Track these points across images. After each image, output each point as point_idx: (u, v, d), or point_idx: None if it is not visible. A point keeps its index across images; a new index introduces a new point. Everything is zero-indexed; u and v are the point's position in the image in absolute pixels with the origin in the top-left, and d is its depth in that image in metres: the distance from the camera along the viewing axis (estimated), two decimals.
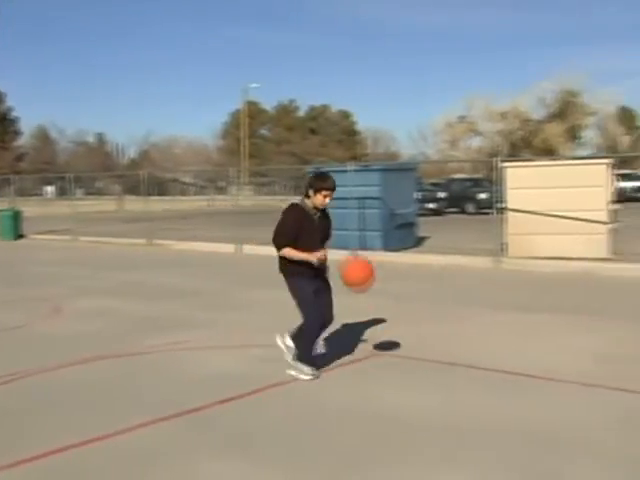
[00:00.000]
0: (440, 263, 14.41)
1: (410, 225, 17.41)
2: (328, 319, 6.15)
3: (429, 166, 58.71)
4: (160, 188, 53.38)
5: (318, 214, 6.05)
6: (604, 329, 7.98)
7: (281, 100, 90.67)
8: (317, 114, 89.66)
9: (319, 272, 6.04)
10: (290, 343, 6.06)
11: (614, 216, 14.22)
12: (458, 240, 17.70)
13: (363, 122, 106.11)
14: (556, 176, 14.32)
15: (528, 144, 57.34)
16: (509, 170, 14.89)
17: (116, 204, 44.72)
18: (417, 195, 19.16)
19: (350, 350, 7.02)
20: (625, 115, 67.74)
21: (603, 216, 13.95)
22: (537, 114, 59.51)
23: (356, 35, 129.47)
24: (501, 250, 14.40)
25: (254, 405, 5.46)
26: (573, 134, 59.60)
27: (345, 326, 7.77)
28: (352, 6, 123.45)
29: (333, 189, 5.94)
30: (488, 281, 12.44)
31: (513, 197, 14.51)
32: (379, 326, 8.20)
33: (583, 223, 13.80)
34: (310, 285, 5.97)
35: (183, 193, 68.63)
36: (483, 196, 31.55)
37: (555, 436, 4.65)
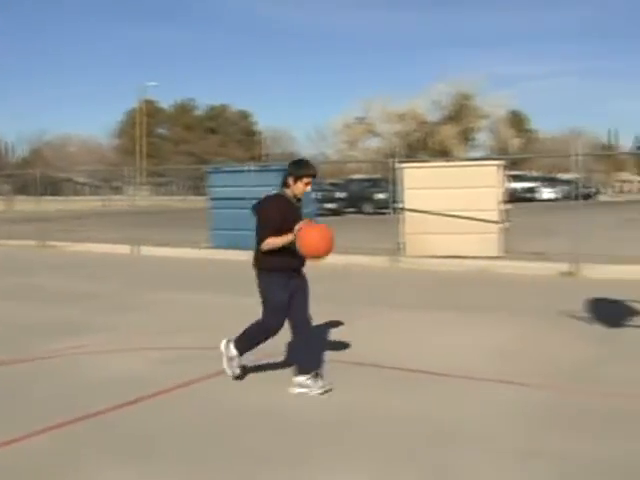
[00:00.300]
0: (339, 262, 14.57)
1: None
2: (302, 321, 5.73)
3: (328, 166, 59.20)
4: (53, 188, 51.66)
5: (298, 203, 5.72)
6: (499, 325, 8.28)
7: (179, 99, 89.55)
8: (216, 114, 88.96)
9: (298, 267, 5.70)
10: (233, 352, 5.77)
11: (506, 215, 14.77)
12: (357, 240, 17.89)
13: (263, 122, 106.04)
14: (450, 177, 14.76)
15: (424, 145, 58.74)
16: (406, 171, 15.24)
17: (5, 204, 43.01)
18: (316, 195, 19.31)
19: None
20: (515, 118, 70.32)
21: (495, 216, 14.48)
22: (433, 116, 61.05)
23: (256, 34, 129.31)
24: (398, 249, 14.72)
25: (156, 408, 5.40)
26: (467, 136, 61.45)
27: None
28: (251, 5, 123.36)
29: (315, 175, 5.66)
30: (387, 280, 12.69)
31: (410, 197, 14.85)
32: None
33: (476, 222, 14.28)
34: (285, 289, 5.59)
35: (77, 193, 66.67)
36: (381, 196, 32.08)
37: (453, 431, 4.80)
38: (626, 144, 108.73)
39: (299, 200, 5.73)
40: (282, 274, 5.60)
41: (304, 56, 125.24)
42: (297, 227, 5.43)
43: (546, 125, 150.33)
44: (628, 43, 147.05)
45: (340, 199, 35.21)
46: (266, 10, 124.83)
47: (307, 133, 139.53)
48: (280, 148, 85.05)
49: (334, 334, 7.82)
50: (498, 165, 14.98)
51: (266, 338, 5.80)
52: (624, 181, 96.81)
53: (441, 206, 14.51)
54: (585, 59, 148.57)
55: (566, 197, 43.62)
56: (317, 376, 5.68)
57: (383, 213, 23.81)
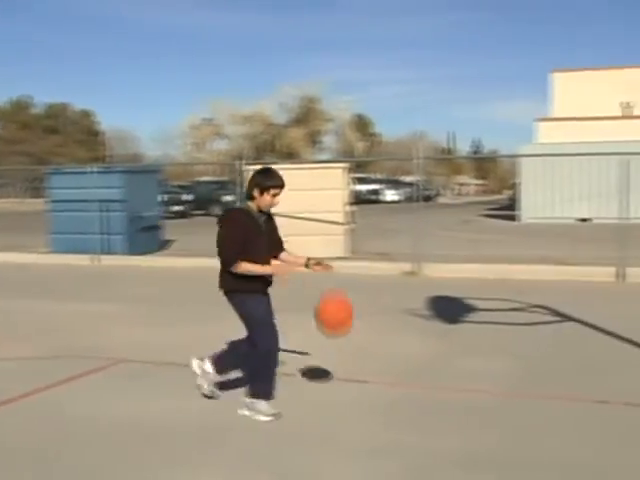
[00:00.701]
0: (185, 266, 14.35)
1: (155, 228, 17.14)
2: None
3: (175, 168, 58.31)
4: None
5: (263, 218, 5.15)
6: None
7: (14, 96, 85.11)
8: (56, 112, 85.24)
9: (265, 287, 5.25)
10: (209, 368, 5.30)
11: (351, 217, 15.07)
12: (204, 242, 17.69)
13: (106, 122, 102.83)
14: (297, 179, 14.82)
15: (272, 148, 58.99)
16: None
17: None
18: (162, 197, 18.93)
19: (96, 357, 6.75)
20: (361, 122, 72.14)
21: (341, 217, 14.74)
22: (280, 119, 61.45)
23: (99, 33, 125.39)
24: None
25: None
26: (314, 139, 62.31)
27: (92, 333, 7.46)
28: (95, 2, 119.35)
29: (282, 186, 5.07)
30: None
31: None
32: (127, 331, 7.97)
33: (323, 224, 14.47)
34: (262, 303, 5.19)
35: None
36: (228, 198, 31.93)
37: (298, 432, 4.81)
38: (464, 148, 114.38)
39: (268, 215, 5.21)
40: (258, 292, 5.19)
41: (149, 56, 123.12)
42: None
43: (390, 129, 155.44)
44: (467, 52, 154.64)
45: (187, 201, 34.77)
46: (110, 9, 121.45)
47: (153, 134, 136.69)
48: (124, 149, 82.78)
49: (185, 337, 7.65)
50: (343, 168, 15.27)
51: (274, 366, 5.23)
52: (462, 184, 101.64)
53: (288, 208, 14.52)
54: (427, 66, 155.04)
55: (408, 199, 45.25)
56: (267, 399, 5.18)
57: None
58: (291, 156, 54.37)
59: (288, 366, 6.40)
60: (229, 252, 4.97)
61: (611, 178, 12.81)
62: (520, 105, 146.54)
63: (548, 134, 31.02)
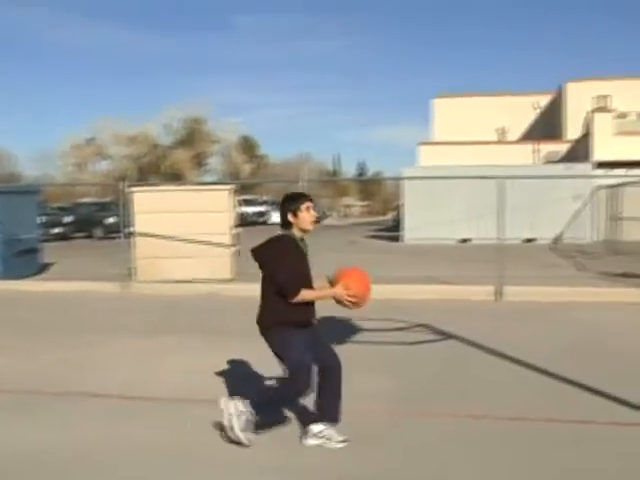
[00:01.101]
0: (66, 290, 13.86)
1: (33, 251, 16.48)
2: (334, 365, 4.94)
3: (55, 189, 56.36)
4: None
5: (304, 244, 4.99)
6: (229, 347, 8.29)
7: None
8: None
9: (313, 317, 4.99)
10: (245, 407, 4.81)
11: (236, 239, 15.00)
12: (86, 265, 17.26)
13: None
14: (183, 201, 14.70)
15: (157, 169, 58.16)
16: (136, 194, 14.92)
17: None
18: (41, 219, 18.26)
19: None
20: (247, 144, 72.18)
21: (227, 239, 14.65)
22: (166, 140, 60.72)
23: None
24: (129, 275, 14.33)
25: None
26: (199, 160, 61.89)
27: None
28: None
29: (311, 199, 4.93)
30: (117, 306, 12.25)
31: (141, 221, 14.56)
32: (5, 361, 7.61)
33: (209, 246, 14.34)
34: (302, 336, 4.82)
35: None
36: (111, 220, 31.24)
37: (185, 456, 4.70)
38: (350, 170, 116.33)
39: (302, 240, 4.97)
40: (297, 327, 4.83)
41: (27, 74, 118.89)
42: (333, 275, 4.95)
43: (276, 151, 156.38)
44: (353, 76, 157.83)
45: (68, 223, 33.67)
46: None
47: (30, 153, 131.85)
48: (1, 168, 79.44)
49: (57, 365, 7.36)
50: (229, 189, 15.20)
51: (298, 397, 4.98)
52: (348, 205, 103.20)
53: (173, 230, 14.40)
54: (313, 89, 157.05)
55: None
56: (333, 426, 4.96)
57: (114, 238, 23.12)
58: (176, 178, 53.78)
59: (171, 392, 6.27)
60: (289, 280, 4.72)
61: (489, 200, 13.34)
62: (404, 129, 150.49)
63: (429, 157, 32.03)
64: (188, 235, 14.30)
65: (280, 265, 4.72)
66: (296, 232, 4.86)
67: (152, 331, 9.50)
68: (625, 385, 6.39)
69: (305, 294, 4.74)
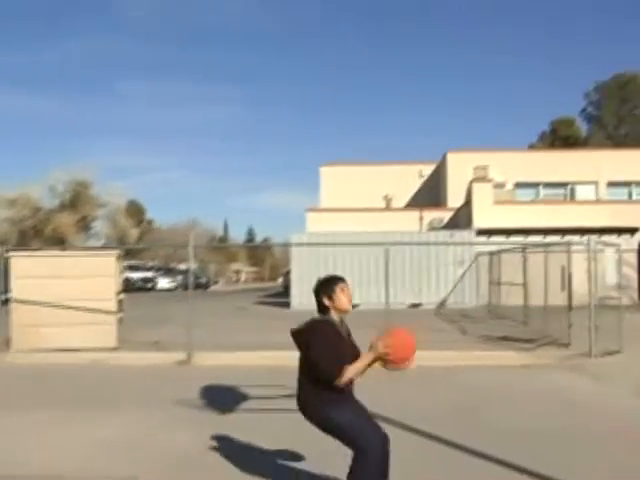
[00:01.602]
0: None
1: None
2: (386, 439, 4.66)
3: None
4: None
5: (344, 327, 4.87)
6: (113, 419, 8.01)
7: None
8: None
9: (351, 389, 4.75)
10: None
11: (121, 306, 14.63)
12: None
13: None
14: (66, 266, 14.25)
15: (39, 233, 56.27)
16: (14, 260, 14.38)
17: None
18: None
19: None
20: (134, 208, 71.15)
21: (112, 306, 14.24)
22: (50, 203, 59.03)
23: None
24: (6, 343, 13.68)
25: None
26: (84, 224, 60.39)
27: None
28: None
29: (344, 279, 4.91)
30: None
31: (20, 287, 14.00)
32: None
33: (93, 313, 13.90)
34: (351, 404, 4.67)
35: None
36: None
37: None
38: (240, 235, 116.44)
39: (342, 322, 4.88)
40: (345, 398, 4.65)
41: None
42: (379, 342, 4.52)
43: (164, 216, 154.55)
44: (243, 143, 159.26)
45: None
46: None
47: None
48: None
49: None
50: (115, 255, 14.87)
51: (384, 462, 4.59)
52: (237, 271, 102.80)
53: (55, 296, 13.90)
54: (202, 155, 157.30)
55: (183, 286, 44.87)
56: None
57: None
58: (60, 242, 52.17)
59: (50, 468, 5.97)
60: (330, 366, 4.50)
61: (376, 266, 13.63)
62: (295, 195, 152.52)
63: (317, 223, 32.46)
64: (71, 301, 13.83)
65: (317, 353, 4.58)
66: (334, 315, 4.79)
67: (28, 404, 9.04)
68: (503, 449, 6.55)
69: (349, 371, 4.49)
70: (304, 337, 4.77)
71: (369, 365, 4.56)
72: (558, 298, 15.56)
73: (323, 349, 4.53)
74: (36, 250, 23.33)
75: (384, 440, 4.61)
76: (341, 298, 4.75)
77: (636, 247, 30.19)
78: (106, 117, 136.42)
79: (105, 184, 59.94)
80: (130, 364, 12.55)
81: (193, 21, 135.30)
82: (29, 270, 14.05)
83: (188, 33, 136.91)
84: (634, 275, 29.53)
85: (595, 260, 13.45)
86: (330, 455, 5.76)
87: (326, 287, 4.82)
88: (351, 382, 4.63)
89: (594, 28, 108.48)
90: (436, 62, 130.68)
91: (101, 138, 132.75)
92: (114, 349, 13.69)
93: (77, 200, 58.47)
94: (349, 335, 4.86)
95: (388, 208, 37.90)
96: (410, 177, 41.04)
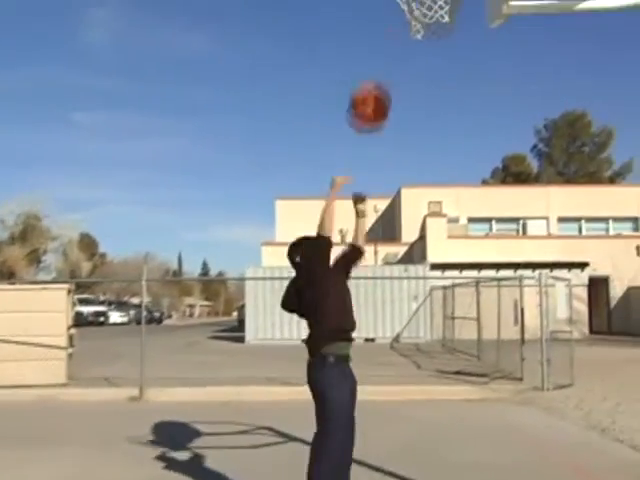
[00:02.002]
0: None
1: None
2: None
3: None
4: None
5: None
6: (60, 459, 7.80)
7: None
8: None
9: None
10: None
11: (72, 341, 14.33)
12: None
13: None
14: (15, 300, 13.93)
15: None
16: None
17: None
18: None
19: None
20: (86, 242, 70.28)
21: (63, 341, 13.93)
22: None
23: None
24: None
25: None
26: (35, 257, 59.40)
27: None
28: None
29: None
30: None
31: None
32: None
33: (42, 349, 13.57)
34: (350, 387, 4.56)
35: None
36: None
37: None
38: (195, 269, 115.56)
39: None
40: (342, 364, 4.48)
41: None
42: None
43: (117, 249, 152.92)
44: (198, 176, 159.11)
45: None
46: None
47: None
48: None
49: None
50: (66, 289, 14.59)
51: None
52: (191, 305, 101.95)
53: (3, 331, 13.55)
54: (155, 188, 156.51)
55: (136, 321, 44.29)
56: None
57: None
58: (9, 275, 51.17)
59: None
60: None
61: None
62: (251, 228, 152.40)
63: (272, 257, 32.41)
64: (19, 336, 13.49)
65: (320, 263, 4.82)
66: None
67: None
68: None
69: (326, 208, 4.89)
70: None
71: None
72: (511, 332, 15.71)
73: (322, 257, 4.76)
74: None
75: (348, 447, 4.43)
76: None
77: (586, 282, 30.75)
78: (57, 148, 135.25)
79: (57, 217, 59.15)
80: (81, 400, 12.27)
81: (148, 54, 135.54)
82: None
83: (144, 66, 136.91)
84: (584, 309, 30.05)
85: (546, 294, 13.62)
86: None
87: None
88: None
89: (547, 63, 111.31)
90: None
91: (52, 170, 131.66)
92: (64, 385, 13.37)
93: (28, 233, 57.58)
94: None
95: (343, 242, 38.05)
96: None
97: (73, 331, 14.57)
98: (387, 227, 40.88)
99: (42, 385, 13.02)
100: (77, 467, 7.36)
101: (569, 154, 61.17)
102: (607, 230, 37.91)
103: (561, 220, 37.65)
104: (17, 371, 13.31)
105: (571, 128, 60.75)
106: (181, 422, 9.63)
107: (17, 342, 13.43)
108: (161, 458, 7.70)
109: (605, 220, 37.93)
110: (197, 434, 8.87)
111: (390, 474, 6.89)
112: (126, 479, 6.87)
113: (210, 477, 6.90)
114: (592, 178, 56.45)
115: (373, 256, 34.67)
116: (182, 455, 7.93)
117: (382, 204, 41.86)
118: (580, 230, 38.04)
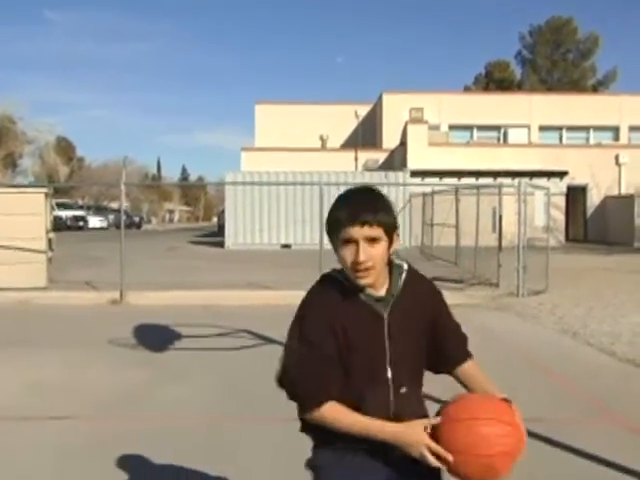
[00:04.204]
0: None
1: None
2: None
3: None
4: None
5: (385, 293, 2.34)
6: (43, 359, 7.91)
7: None
8: None
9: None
10: None
11: (51, 245, 14.32)
12: None
13: None
14: None
15: None
16: None
17: None
18: None
19: None
20: (63, 146, 69.28)
21: (42, 245, 13.92)
22: None
23: None
24: None
25: None
26: (11, 161, 58.61)
27: None
28: None
29: (363, 222, 2.20)
30: None
31: None
32: None
33: (21, 252, 13.57)
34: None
35: None
36: None
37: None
38: (175, 175, 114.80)
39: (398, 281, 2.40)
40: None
41: None
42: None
43: (95, 153, 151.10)
44: (177, 80, 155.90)
45: None
46: None
47: None
48: None
49: None
50: (45, 193, 14.47)
51: None
52: (171, 210, 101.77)
53: None
54: (134, 91, 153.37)
55: (116, 225, 44.24)
56: None
57: None
58: None
59: None
60: (301, 385, 2.28)
61: (310, 206, 13.59)
62: (230, 133, 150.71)
63: (252, 163, 32.24)
64: None
65: (292, 346, 2.38)
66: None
67: None
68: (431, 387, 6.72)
69: (335, 415, 2.22)
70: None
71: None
72: (489, 239, 15.89)
73: (295, 346, 2.35)
74: None
75: None
76: (343, 255, 2.31)
77: (564, 190, 30.97)
78: (31, 48, 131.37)
79: (32, 120, 58.11)
80: (61, 303, 12.36)
81: None
82: None
83: None
84: (562, 218, 30.38)
85: (525, 202, 13.72)
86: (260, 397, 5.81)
87: (333, 217, 2.33)
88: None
89: None
90: (374, 3, 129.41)
91: (27, 72, 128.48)
92: (44, 289, 13.44)
93: (3, 136, 56.59)
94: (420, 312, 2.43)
95: (324, 148, 37.79)
96: (346, 118, 40.91)
97: (52, 235, 14.54)
98: (368, 133, 40.58)
99: (22, 288, 13.06)
100: (58, 369, 7.48)
101: (553, 61, 60.41)
102: (587, 139, 37.95)
103: (542, 129, 37.56)
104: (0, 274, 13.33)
105: (556, 34, 59.78)
106: (162, 325, 9.76)
107: None
108: (145, 360, 7.84)
109: (586, 129, 37.91)
110: (178, 337, 9.02)
111: None
112: (112, 380, 6.99)
113: (194, 377, 7.04)
114: (575, 86, 56.03)
115: (354, 162, 34.56)
116: (165, 357, 8.07)
117: (363, 110, 41.44)
118: (561, 139, 38.03)
